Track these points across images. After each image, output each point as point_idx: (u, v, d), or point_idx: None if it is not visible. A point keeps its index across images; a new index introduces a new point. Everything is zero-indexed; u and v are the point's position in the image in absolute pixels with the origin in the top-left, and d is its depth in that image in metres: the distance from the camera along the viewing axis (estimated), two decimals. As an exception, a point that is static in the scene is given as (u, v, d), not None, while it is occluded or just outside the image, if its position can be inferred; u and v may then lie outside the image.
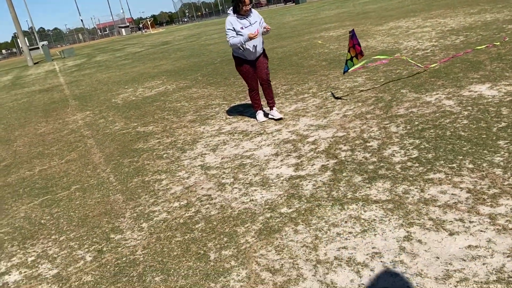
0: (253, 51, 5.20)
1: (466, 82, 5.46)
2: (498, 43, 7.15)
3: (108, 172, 4.97)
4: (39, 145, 6.93)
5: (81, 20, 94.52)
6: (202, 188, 4.02)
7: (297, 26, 19.37)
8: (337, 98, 6.04)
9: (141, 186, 4.34)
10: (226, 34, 5.17)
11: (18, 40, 48.22)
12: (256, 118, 5.83)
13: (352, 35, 5.63)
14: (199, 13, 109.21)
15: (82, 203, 4.21)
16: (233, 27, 5.06)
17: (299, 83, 7.56)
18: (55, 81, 16.91)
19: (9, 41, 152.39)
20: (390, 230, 2.73)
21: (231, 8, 5.15)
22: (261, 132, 5.32)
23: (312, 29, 16.80)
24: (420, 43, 8.75)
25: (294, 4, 55.99)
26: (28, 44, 40.19)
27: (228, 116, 6.37)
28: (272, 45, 13.72)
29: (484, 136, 3.78)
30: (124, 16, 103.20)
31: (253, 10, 5.20)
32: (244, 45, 5.11)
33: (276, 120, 5.59)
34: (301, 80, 7.73)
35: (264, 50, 5.47)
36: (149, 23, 67.76)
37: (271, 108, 5.66)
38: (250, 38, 4.97)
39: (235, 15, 5.13)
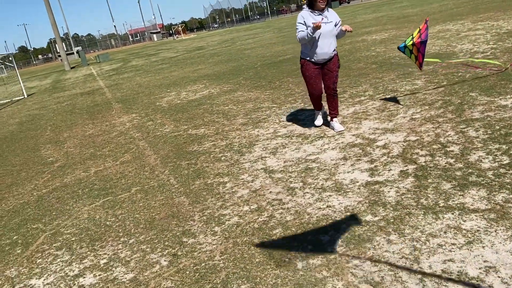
0: (319, 44, 4.74)
1: (543, 85, 5.12)
2: None
3: (167, 174, 4.86)
4: (90, 147, 6.92)
5: (114, 26, 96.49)
6: (270, 192, 3.85)
7: (335, 31, 19.08)
8: (397, 101, 5.78)
9: (205, 189, 4.20)
10: (296, 28, 4.87)
11: (56, 45, 49.64)
12: (314, 121, 5.61)
13: (422, 41, 5.31)
14: (229, 19, 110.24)
15: (145, 205, 4.10)
16: (305, 21, 4.77)
17: (351, 85, 7.33)
18: (94, 85, 17.18)
19: (44, 47, 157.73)
20: (500, 242, 2.48)
21: (306, 4, 4.88)
22: (321, 135, 5.12)
23: (353, 32, 16.48)
24: (477, 46, 8.38)
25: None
26: (65, 49, 41.30)
27: (281, 119, 6.20)
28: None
29: None
30: (156, 22, 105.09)
31: (331, 10, 4.89)
32: (311, 35, 4.66)
33: (335, 132, 5.11)
34: (353, 83, 7.49)
35: (337, 55, 5.01)
36: (180, 28, 68.65)
37: (331, 119, 5.22)
38: (315, 27, 4.51)
39: (310, 10, 4.80)
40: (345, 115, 5.70)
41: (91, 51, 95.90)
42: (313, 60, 4.92)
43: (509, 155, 3.51)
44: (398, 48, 5.80)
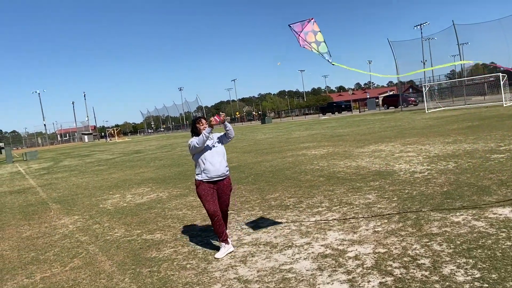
0: (210, 160, 5.06)
1: (479, 203, 5.66)
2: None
3: (128, 282, 4.51)
4: (30, 250, 6.31)
5: (44, 125, 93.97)
6: (251, 303, 3.69)
7: (274, 144, 20.09)
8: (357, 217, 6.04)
9: (177, 300, 3.93)
10: (189, 144, 5.14)
11: (-22, 139, 46.89)
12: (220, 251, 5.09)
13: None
14: (164, 126, 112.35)
15: (111, 317, 3.72)
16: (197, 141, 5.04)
17: (305, 196, 7.58)
18: (24, 183, 16.13)
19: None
20: None
21: (191, 133, 5.28)
22: (289, 244, 5.13)
23: (291, 146, 17.45)
24: (413, 166, 9.19)
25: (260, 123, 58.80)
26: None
27: (243, 227, 6.16)
28: (257, 159, 14.01)
29: (539, 257, 3.81)
30: (88, 124, 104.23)
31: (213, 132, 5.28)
32: (207, 134, 4.89)
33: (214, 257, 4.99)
34: (306, 194, 7.76)
35: (229, 177, 5.35)
36: (115, 131, 68.54)
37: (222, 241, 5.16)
38: (211, 125, 4.88)
39: (195, 136, 5.16)
40: (308, 224, 5.81)
41: (14, 148, 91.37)
42: (206, 178, 5.11)
43: (478, 269, 3.74)
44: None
